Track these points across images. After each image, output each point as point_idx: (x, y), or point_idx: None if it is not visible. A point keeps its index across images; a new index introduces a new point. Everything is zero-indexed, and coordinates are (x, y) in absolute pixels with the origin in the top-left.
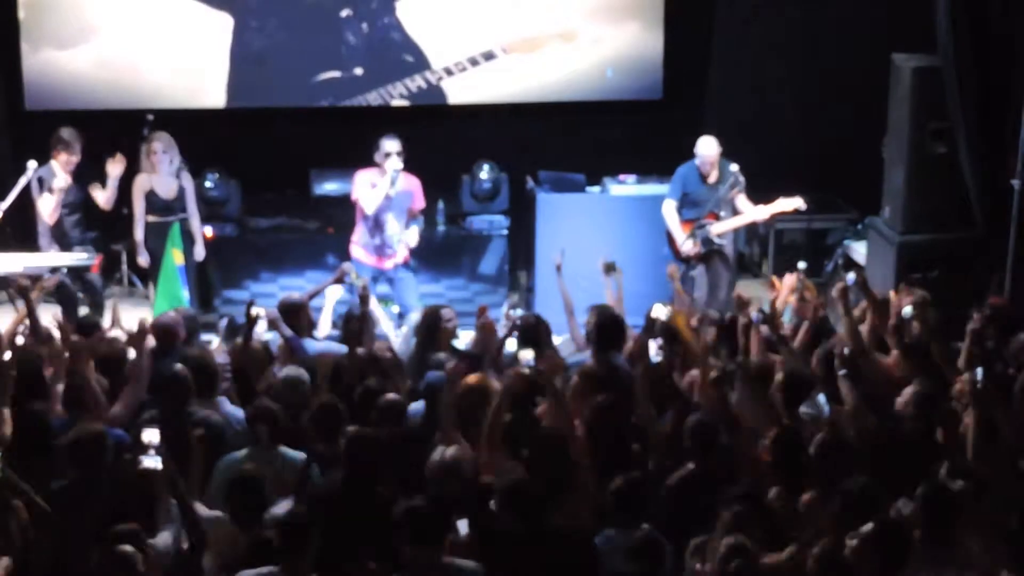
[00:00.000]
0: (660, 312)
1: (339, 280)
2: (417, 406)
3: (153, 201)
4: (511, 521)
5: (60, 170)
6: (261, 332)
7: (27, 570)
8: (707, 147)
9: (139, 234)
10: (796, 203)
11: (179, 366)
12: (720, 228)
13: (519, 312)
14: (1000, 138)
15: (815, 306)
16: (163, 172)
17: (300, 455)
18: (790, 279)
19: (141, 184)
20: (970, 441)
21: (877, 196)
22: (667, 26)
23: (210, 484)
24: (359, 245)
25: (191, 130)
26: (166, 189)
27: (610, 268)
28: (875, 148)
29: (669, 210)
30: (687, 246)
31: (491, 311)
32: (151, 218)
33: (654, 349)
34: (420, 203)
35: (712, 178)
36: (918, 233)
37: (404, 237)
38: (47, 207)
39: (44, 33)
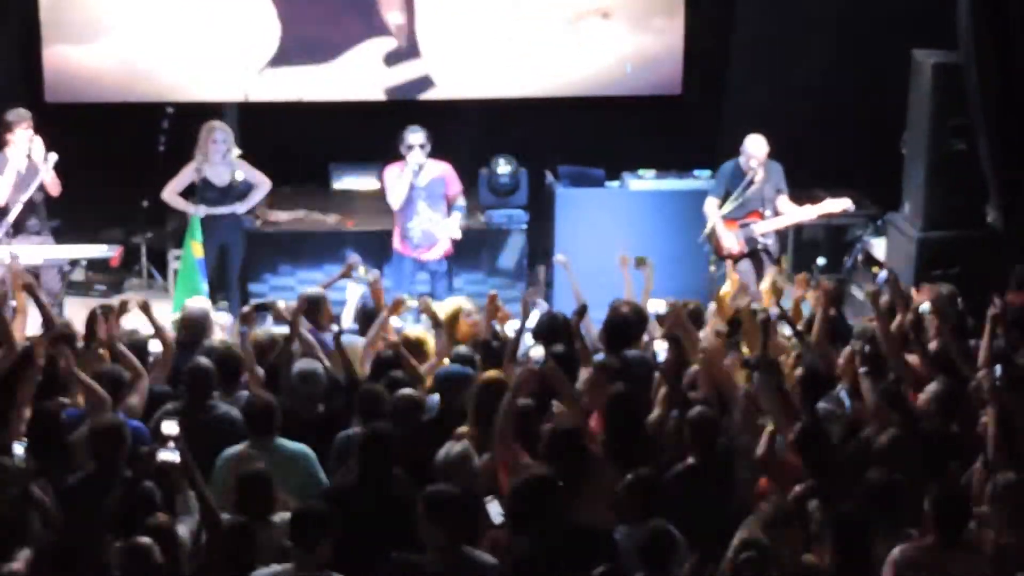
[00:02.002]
0: (658, 307)
1: (346, 274)
2: (433, 399)
3: (205, 190)
4: (528, 516)
5: (15, 152)
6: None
7: (47, 561)
8: (755, 146)
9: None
10: (844, 204)
11: (203, 359)
12: (764, 227)
13: (539, 304)
14: (1020, 134)
15: (828, 303)
16: (216, 161)
17: (299, 447)
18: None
19: (191, 170)
20: (989, 439)
21: (897, 192)
22: (687, 21)
23: (211, 479)
24: (398, 238)
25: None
26: (219, 178)
27: (640, 262)
28: (895, 144)
29: (711, 208)
30: (729, 240)
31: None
32: (203, 210)
33: (662, 347)
34: (455, 187)
35: (758, 177)
36: (937, 230)
37: (445, 227)
38: None
39: (64, 25)
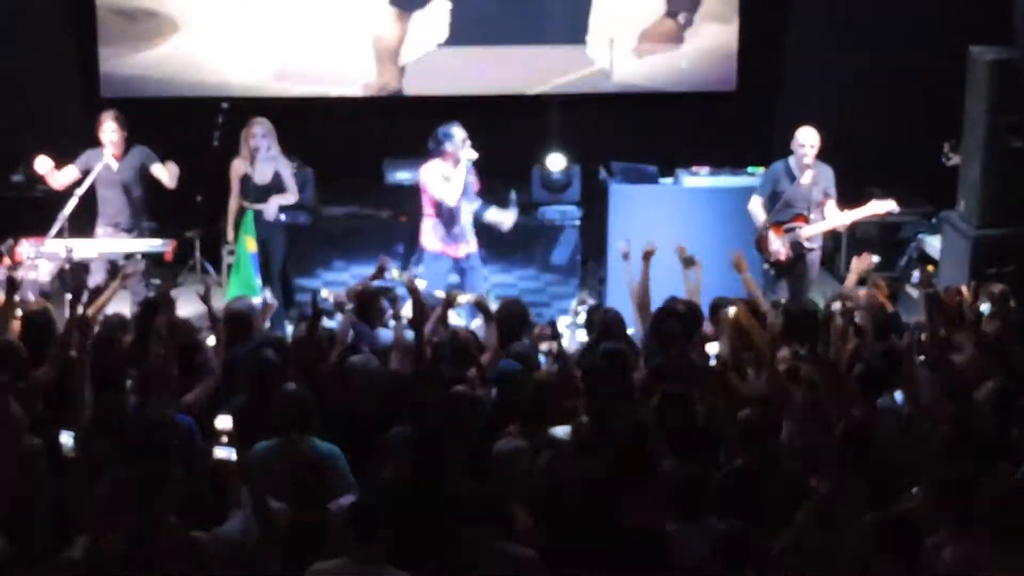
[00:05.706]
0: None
1: (379, 275)
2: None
3: (248, 186)
4: (580, 514)
5: (108, 154)
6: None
7: (103, 551)
8: (809, 136)
9: (231, 215)
10: (889, 205)
11: (270, 352)
12: (810, 231)
13: (590, 302)
14: None
15: (882, 301)
16: (260, 158)
17: (330, 447)
18: (858, 262)
19: (236, 168)
20: None
21: (952, 190)
22: (742, 18)
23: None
24: (438, 239)
25: (264, 118)
26: (262, 175)
27: (689, 262)
28: (950, 141)
29: (756, 207)
30: (776, 245)
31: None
32: (246, 204)
33: (714, 348)
34: (477, 183)
35: (807, 178)
36: (993, 227)
37: (503, 217)
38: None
39: (121, 21)
